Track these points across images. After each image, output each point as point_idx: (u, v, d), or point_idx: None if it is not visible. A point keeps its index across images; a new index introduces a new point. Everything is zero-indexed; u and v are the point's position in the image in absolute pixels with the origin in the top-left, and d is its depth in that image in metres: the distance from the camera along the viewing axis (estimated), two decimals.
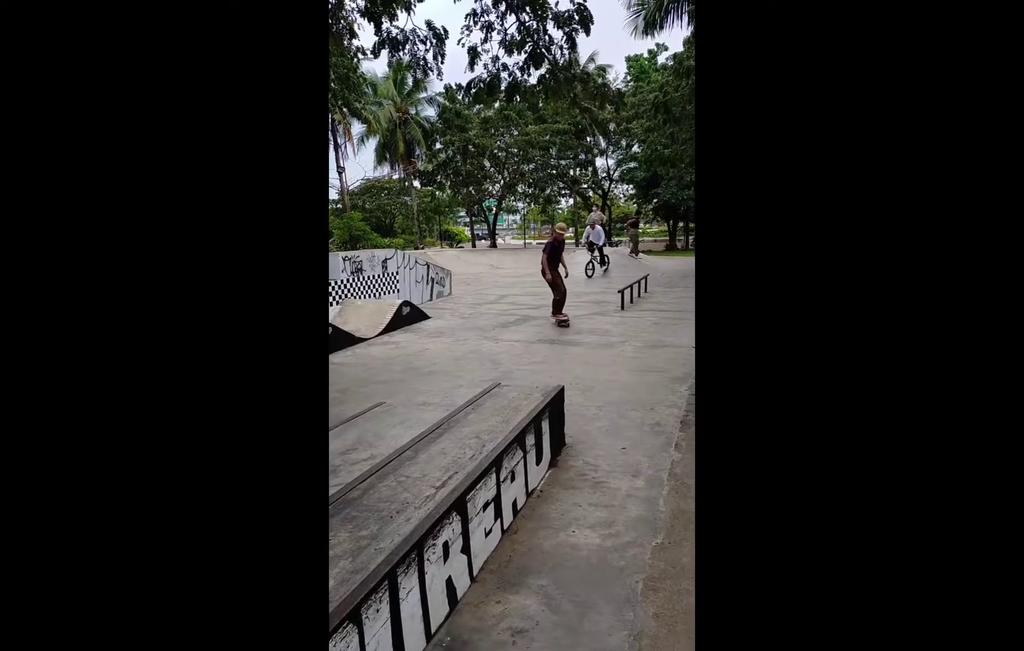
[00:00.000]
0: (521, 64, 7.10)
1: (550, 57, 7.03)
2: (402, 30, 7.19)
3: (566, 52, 7.06)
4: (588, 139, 30.50)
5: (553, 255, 8.72)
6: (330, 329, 8.03)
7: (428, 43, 7.21)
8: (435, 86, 29.54)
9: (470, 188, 30.05)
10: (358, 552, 2.03)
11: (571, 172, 32.24)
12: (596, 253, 16.22)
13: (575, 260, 16.33)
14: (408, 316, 10.06)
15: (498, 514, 2.81)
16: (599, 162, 33.07)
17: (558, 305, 8.83)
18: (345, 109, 22.98)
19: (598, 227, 17.07)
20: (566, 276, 8.97)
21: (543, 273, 8.75)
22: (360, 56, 8.82)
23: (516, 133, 28.76)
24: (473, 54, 7.16)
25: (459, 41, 7.08)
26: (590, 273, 15.48)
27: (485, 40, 7.06)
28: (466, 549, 2.44)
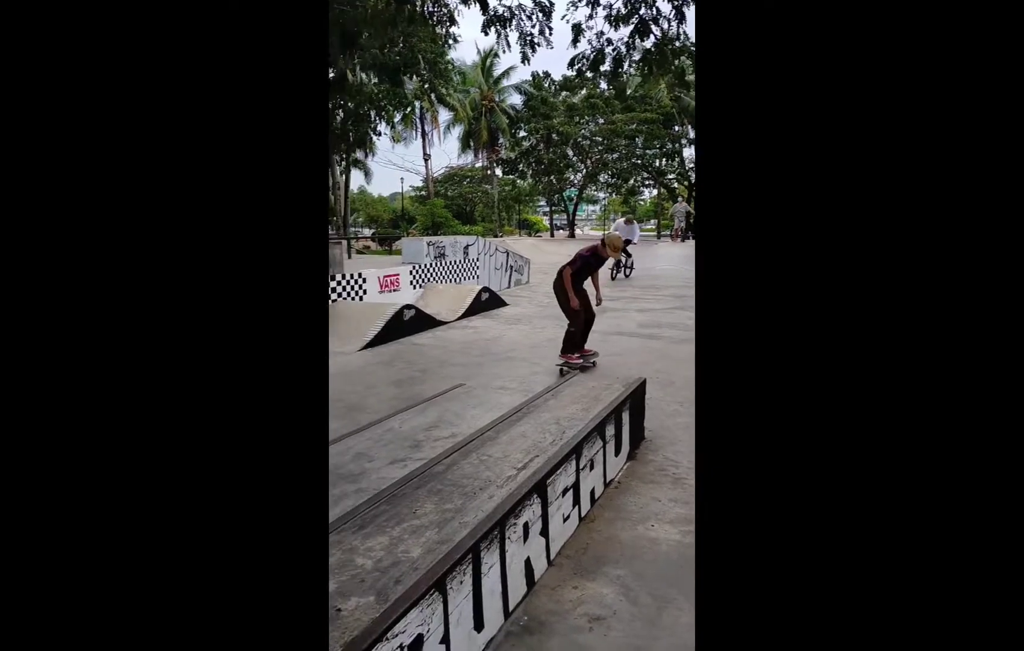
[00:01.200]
0: (626, 39, 7.00)
1: (656, 30, 6.87)
2: (508, 7, 7.27)
3: (673, 25, 6.88)
4: (676, 128, 29.60)
5: (583, 270, 5.84)
6: (413, 311, 8.30)
7: (535, 18, 7.25)
8: (522, 73, 29.59)
9: (551, 177, 29.95)
10: (443, 524, 2.10)
11: (657, 163, 31.43)
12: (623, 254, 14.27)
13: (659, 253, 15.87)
14: (487, 302, 10.21)
15: (576, 501, 2.81)
16: (687, 152, 32.02)
17: (572, 340, 5.80)
18: (433, 96, 23.48)
19: (635, 223, 15.04)
20: (598, 303, 6.08)
21: (561, 295, 5.83)
22: (451, 42, 8.97)
23: (601, 121, 28.36)
24: (577, 31, 7.12)
25: (563, 17, 7.07)
26: (615, 275, 13.95)
27: (590, 16, 7.05)
28: (545, 532, 2.46)
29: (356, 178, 30.76)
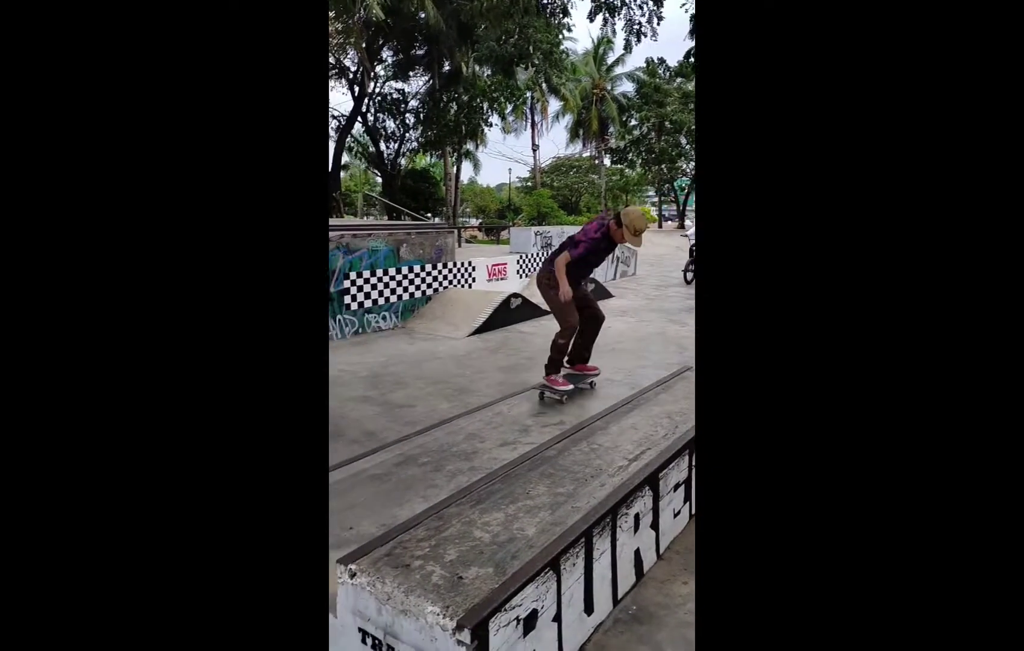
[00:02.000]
0: None
1: None
2: None
3: None
4: None
5: (587, 258, 4.00)
6: (520, 300, 8.44)
7: (644, 7, 7.10)
8: (635, 61, 28.95)
9: (662, 166, 29.09)
10: (556, 507, 2.15)
11: None
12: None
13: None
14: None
15: (687, 497, 2.76)
16: None
17: (557, 359, 3.99)
18: (544, 86, 23.56)
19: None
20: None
21: (547, 291, 4.02)
22: (565, 32, 8.98)
23: None
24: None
25: (682, 5, 6.86)
26: (689, 278, 12.72)
27: None
28: (655, 525, 2.45)
29: (466, 170, 31.61)
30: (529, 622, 1.69)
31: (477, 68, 17.66)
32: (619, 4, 7.12)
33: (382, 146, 21.54)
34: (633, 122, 29.47)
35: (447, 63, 18.34)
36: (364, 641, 1.72)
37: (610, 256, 13.38)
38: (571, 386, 4.02)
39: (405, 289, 8.22)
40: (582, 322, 4.14)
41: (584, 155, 34.56)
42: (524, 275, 10.69)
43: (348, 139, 21.68)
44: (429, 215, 21.17)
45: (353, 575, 1.73)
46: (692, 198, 37.47)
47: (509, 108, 19.59)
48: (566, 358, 4.14)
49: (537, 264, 11.06)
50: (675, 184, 31.90)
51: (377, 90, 20.41)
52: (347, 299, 7.44)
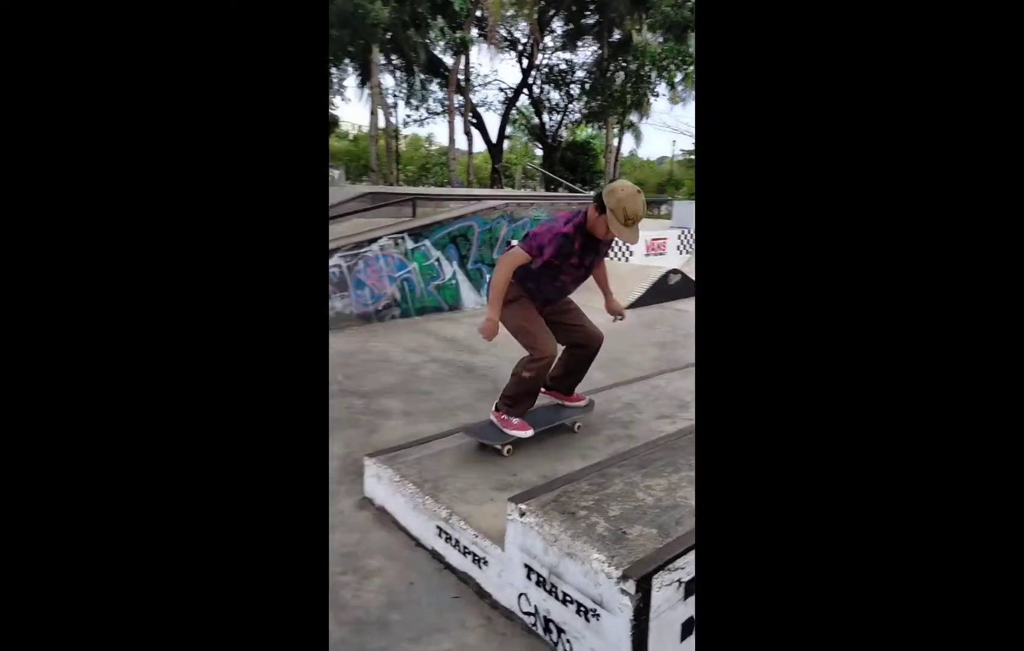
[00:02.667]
0: None
1: None
2: None
3: None
4: None
5: (552, 263, 2.65)
6: (679, 276, 8.20)
7: None
8: None
9: None
10: None
11: None
12: None
13: None
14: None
15: None
16: None
17: (523, 389, 2.81)
18: None
19: None
20: (617, 316, 3.24)
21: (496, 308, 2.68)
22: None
23: None
24: None
25: None
26: None
27: None
28: None
29: (627, 142, 30.83)
30: (690, 587, 1.70)
31: (649, 35, 17.09)
32: None
33: (545, 118, 21.81)
34: None
35: (617, 31, 17.97)
36: (529, 577, 1.86)
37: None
38: (529, 432, 2.76)
39: None
40: (566, 348, 2.96)
41: None
42: (685, 251, 10.32)
43: (512, 111, 22.22)
44: (582, 187, 21.13)
45: (522, 514, 1.87)
46: None
47: (679, 76, 18.75)
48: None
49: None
50: None
51: (544, 61, 20.63)
52: None
